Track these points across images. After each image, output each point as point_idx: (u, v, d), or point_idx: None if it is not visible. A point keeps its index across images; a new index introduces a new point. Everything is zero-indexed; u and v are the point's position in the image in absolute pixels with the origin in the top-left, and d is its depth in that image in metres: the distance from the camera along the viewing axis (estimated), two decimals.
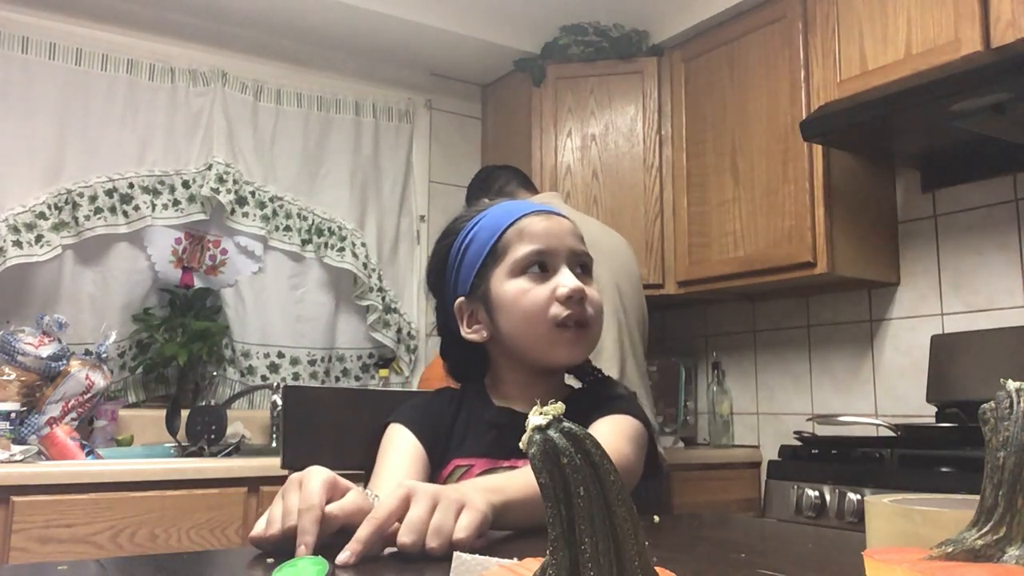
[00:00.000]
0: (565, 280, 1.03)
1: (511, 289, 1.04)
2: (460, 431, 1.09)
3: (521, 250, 1.05)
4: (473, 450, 1.06)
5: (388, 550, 0.71)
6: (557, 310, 1.02)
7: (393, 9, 2.71)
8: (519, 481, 0.84)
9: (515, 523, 0.81)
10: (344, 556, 0.65)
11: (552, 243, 1.05)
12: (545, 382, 1.09)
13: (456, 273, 1.11)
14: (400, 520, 0.70)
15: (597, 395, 1.11)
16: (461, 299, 1.10)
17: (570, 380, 1.18)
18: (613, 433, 1.00)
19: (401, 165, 3.03)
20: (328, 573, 0.61)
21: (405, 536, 0.68)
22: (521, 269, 1.05)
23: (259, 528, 0.72)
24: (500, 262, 1.06)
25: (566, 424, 0.39)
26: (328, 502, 0.71)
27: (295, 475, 0.74)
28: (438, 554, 0.68)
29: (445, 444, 1.08)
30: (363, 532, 0.67)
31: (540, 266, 1.05)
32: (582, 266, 1.08)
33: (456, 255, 1.10)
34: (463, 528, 0.70)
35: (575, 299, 1.02)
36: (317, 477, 0.72)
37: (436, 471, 1.06)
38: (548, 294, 1.03)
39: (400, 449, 1.05)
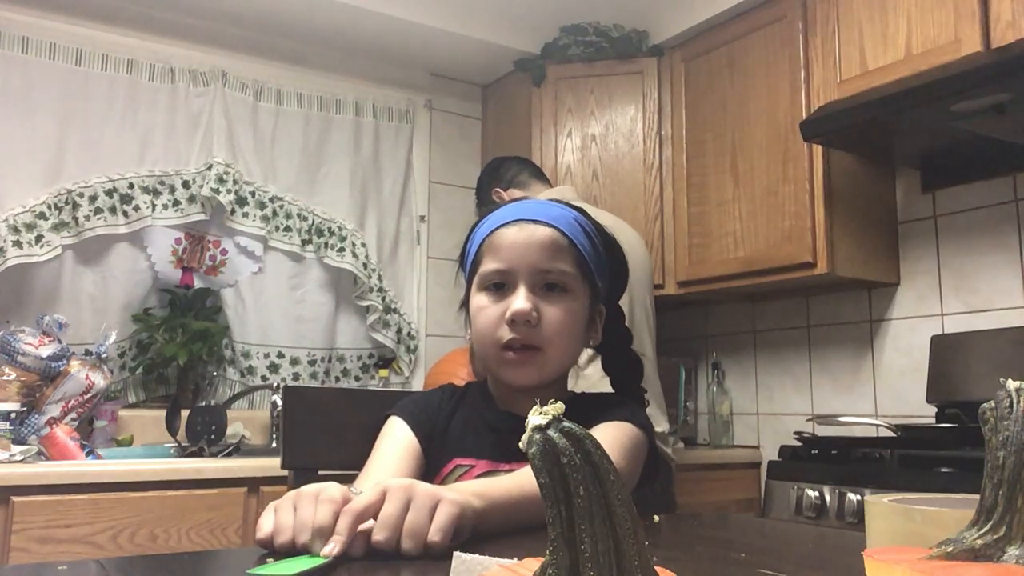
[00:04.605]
0: (516, 303, 1.00)
1: (475, 304, 1.05)
2: (459, 428, 1.09)
3: (486, 266, 1.04)
4: (475, 450, 1.06)
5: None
6: (503, 332, 1.01)
7: (393, 9, 2.71)
8: (504, 484, 0.84)
9: (500, 526, 0.80)
10: (328, 548, 0.67)
11: (514, 260, 1.02)
12: (540, 390, 1.05)
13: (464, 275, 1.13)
14: (376, 516, 0.71)
15: (599, 400, 1.11)
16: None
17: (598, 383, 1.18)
18: (607, 442, 0.98)
19: (401, 165, 3.03)
20: (321, 567, 0.62)
21: (379, 533, 0.69)
22: (483, 285, 1.04)
23: (266, 530, 0.72)
24: (475, 274, 1.06)
25: (566, 424, 0.39)
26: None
27: (308, 489, 0.73)
28: (413, 554, 0.69)
29: (442, 439, 1.08)
30: (341, 524, 0.68)
31: (501, 283, 1.03)
32: (557, 284, 1.03)
33: (466, 257, 1.11)
34: (437, 530, 0.70)
35: (520, 322, 1.00)
36: (329, 501, 0.71)
37: (435, 467, 1.06)
38: (500, 314, 1.01)
39: (394, 442, 1.05)
